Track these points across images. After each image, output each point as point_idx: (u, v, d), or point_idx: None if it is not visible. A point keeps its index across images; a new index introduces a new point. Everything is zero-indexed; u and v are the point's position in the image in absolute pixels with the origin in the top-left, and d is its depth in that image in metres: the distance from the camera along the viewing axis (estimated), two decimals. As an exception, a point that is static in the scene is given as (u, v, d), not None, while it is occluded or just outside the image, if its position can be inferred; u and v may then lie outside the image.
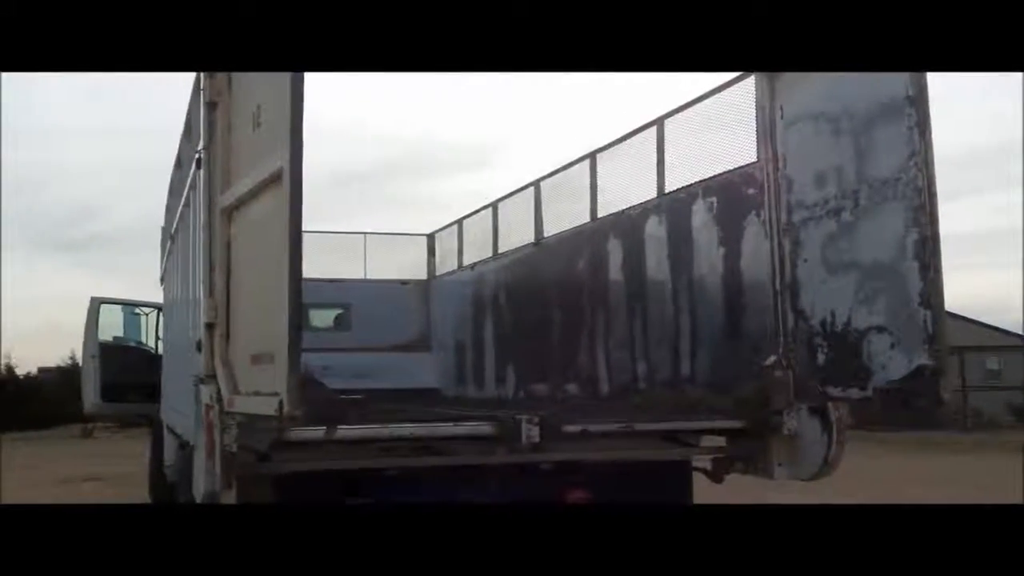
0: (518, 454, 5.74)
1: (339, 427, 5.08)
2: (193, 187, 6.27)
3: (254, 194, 4.76)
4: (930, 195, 5.02)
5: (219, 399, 4.95)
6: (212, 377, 5.09)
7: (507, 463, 5.84)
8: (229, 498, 4.93)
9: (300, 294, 4.11)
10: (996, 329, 37.76)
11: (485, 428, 5.74)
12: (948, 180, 5.10)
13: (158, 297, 12.91)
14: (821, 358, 5.83)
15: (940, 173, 5.08)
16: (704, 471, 6.61)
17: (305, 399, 4.10)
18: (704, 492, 6.64)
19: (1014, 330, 38.17)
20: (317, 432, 4.96)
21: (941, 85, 5.31)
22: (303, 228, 4.25)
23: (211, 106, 5.28)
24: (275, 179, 4.34)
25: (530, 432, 5.62)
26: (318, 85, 4.45)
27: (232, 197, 5.06)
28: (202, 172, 5.41)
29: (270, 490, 5.43)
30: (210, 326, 5.21)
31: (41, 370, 41.80)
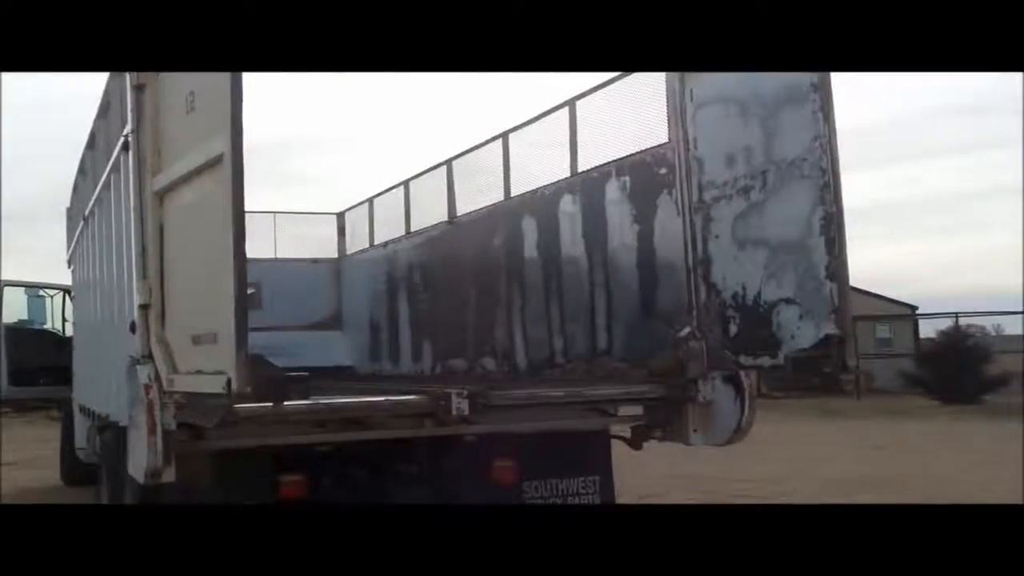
0: (448, 427, 5.95)
1: (285, 403, 5.20)
2: (116, 169, 6.27)
3: (189, 178, 4.83)
4: (834, 174, 5.32)
5: (157, 378, 5.05)
6: (149, 357, 5.18)
7: (437, 436, 6.05)
8: (169, 475, 5.04)
9: (245, 274, 4.23)
10: (885, 299, 39.17)
11: (417, 401, 5.92)
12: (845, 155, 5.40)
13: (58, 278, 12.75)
14: (733, 329, 6.13)
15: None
16: (624, 439, 6.90)
17: (253, 377, 4.22)
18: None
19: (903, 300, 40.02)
20: (264, 408, 5.07)
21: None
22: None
23: (139, 89, 5.31)
24: (214, 163, 4.43)
25: (459, 405, 5.81)
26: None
27: (165, 180, 5.12)
28: (131, 155, 5.44)
29: (207, 466, 5.54)
30: (144, 307, 5.27)
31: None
